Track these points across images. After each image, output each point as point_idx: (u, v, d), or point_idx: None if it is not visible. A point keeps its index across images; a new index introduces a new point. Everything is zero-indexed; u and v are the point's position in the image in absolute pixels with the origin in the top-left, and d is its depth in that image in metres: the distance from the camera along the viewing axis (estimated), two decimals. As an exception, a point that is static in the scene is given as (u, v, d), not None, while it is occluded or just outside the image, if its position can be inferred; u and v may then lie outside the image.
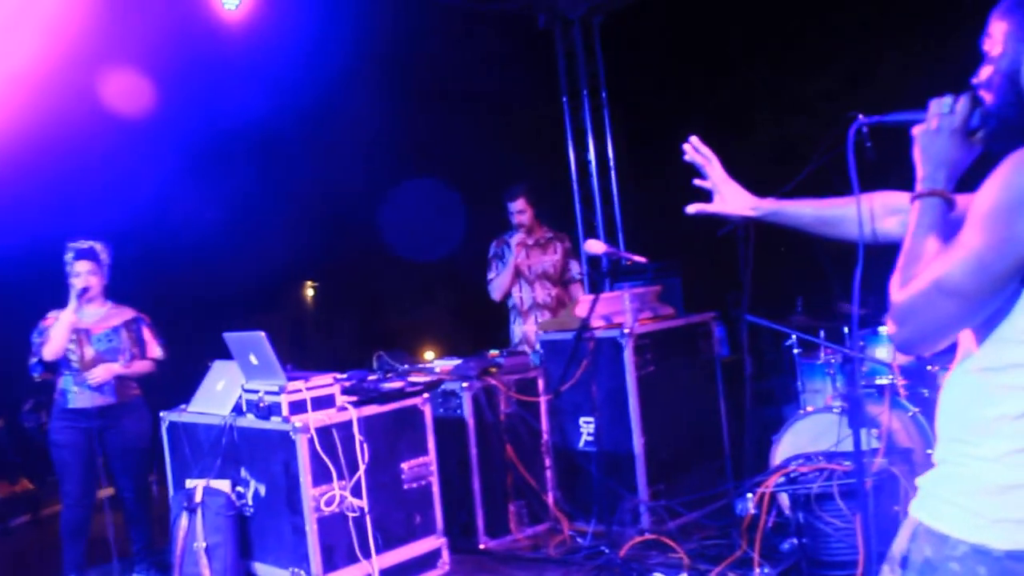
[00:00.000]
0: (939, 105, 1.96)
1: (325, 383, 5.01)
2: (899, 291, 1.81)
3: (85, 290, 5.69)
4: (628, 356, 5.84)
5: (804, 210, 2.45)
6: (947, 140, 1.93)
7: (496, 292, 7.05)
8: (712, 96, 9.27)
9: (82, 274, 5.69)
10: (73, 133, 7.09)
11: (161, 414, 5.67)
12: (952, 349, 1.93)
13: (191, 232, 9.52)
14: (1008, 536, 1.77)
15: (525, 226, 6.90)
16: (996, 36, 1.89)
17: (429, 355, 9.94)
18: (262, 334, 4.91)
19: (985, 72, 1.93)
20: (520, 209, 6.87)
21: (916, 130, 1.98)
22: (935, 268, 1.78)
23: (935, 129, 1.94)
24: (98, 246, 5.81)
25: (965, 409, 1.87)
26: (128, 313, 5.94)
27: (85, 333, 5.73)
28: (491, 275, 7.05)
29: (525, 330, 6.96)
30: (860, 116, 2.08)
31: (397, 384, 5.44)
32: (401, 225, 10.66)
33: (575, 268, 7.09)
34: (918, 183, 1.95)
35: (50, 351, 5.62)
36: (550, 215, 7.50)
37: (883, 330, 5.52)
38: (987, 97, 1.92)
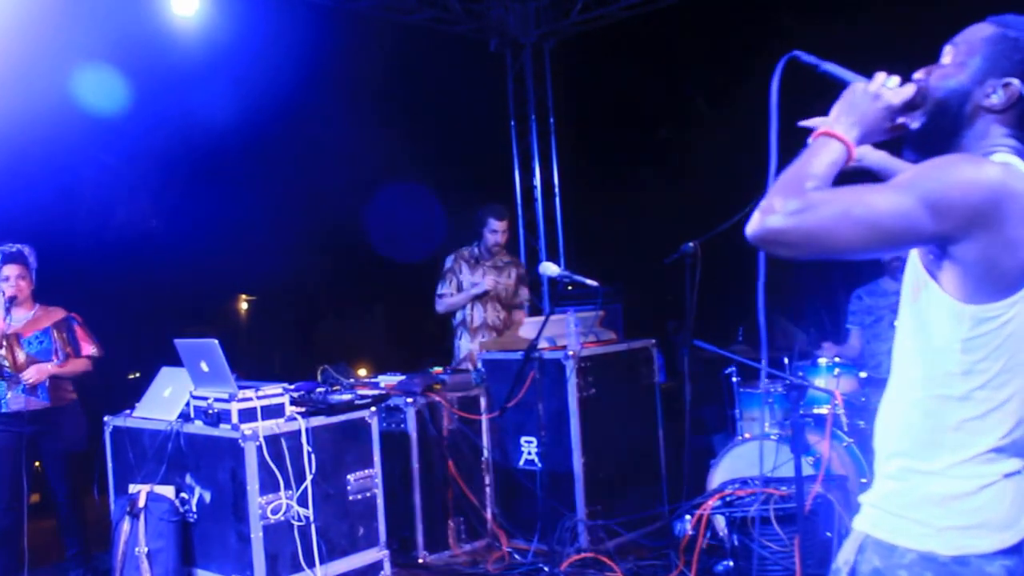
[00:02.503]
0: (887, 79, 1.96)
1: (275, 392, 5.04)
2: (803, 189, 1.75)
3: (13, 298, 5.68)
4: (571, 378, 5.95)
5: (878, 163, 2.38)
6: (880, 109, 1.93)
7: (443, 307, 7.06)
8: (658, 126, 9.47)
9: (11, 278, 5.66)
10: (12, 131, 6.99)
11: (105, 419, 5.64)
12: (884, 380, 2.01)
13: (131, 239, 9.44)
14: (953, 543, 1.86)
15: (500, 245, 6.99)
16: (967, 62, 1.94)
17: (362, 372, 9.95)
18: (215, 342, 4.93)
19: (937, 77, 1.96)
20: (504, 229, 6.96)
21: (856, 84, 1.97)
22: (863, 192, 1.75)
23: (874, 93, 1.94)
24: (26, 249, 5.76)
25: (906, 424, 1.95)
26: (58, 314, 5.91)
27: (15, 337, 5.70)
28: (442, 289, 7.04)
29: (472, 347, 7.00)
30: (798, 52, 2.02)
31: (346, 396, 5.49)
32: (342, 242, 10.68)
33: (524, 294, 7.19)
34: (828, 122, 1.93)
35: None
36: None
37: (823, 361, 5.69)
38: (929, 96, 1.96)
